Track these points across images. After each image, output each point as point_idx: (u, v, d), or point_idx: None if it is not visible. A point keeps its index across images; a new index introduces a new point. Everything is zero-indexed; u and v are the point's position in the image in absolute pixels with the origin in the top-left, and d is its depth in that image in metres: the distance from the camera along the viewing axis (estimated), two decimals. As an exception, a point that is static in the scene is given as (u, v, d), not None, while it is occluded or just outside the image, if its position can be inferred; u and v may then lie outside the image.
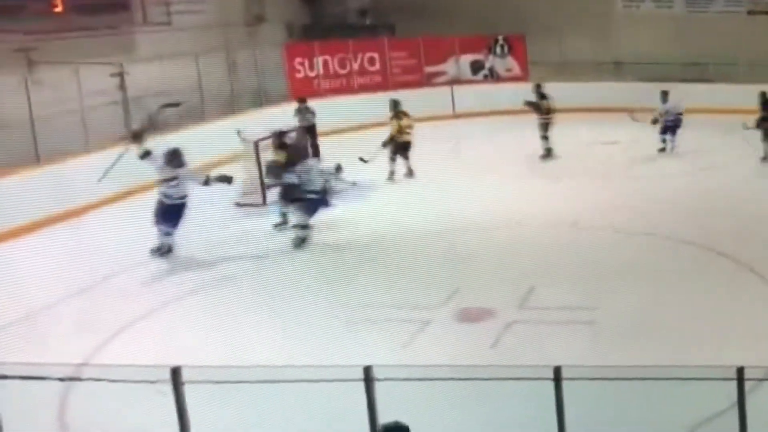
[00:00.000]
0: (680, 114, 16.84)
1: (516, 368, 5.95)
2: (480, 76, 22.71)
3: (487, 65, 22.61)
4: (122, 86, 15.74)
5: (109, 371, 5.73)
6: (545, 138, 16.81)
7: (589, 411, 6.22)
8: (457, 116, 21.29)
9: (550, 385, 5.39)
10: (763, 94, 16.35)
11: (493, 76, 22.69)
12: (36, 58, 14.69)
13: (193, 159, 15.21)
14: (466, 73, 22.64)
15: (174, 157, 11.45)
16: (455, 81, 22.32)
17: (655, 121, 16.74)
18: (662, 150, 16.67)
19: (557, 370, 5.47)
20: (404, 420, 6.19)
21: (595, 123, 19.11)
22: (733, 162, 15.20)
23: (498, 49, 22.62)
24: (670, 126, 16.79)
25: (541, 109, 17.00)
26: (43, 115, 13.96)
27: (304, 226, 11.62)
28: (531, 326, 8.68)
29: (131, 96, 15.78)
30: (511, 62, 22.71)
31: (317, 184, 12.17)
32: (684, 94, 17.41)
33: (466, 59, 22.69)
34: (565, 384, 5.32)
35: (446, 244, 11.31)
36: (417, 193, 13.80)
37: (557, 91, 20.51)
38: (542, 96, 17.18)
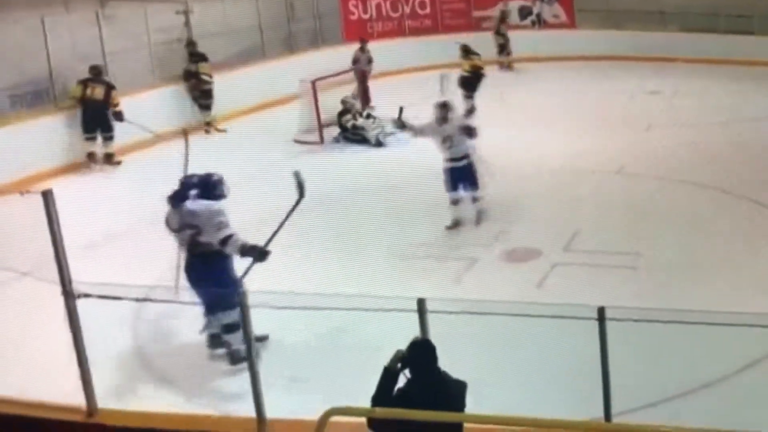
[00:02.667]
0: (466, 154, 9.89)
1: (561, 307, 5.96)
2: (527, 21, 22.30)
3: (535, 11, 22.16)
4: (187, 24, 15.74)
5: (180, 294, 5.87)
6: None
7: (631, 352, 6.24)
8: (501, 62, 20.97)
9: (594, 325, 5.40)
10: (464, 47, 15.82)
11: (539, 23, 22.28)
12: (108, -6, 14.75)
13: (255, 98, 15.41)
14: (514, 18, 22.24)
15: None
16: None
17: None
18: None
19: (601, 311, 5.47)
20: (453, 351, 6.30)
21: (639, 72, 18.71)
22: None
23: (545, -4, 22.20)
24: (459, 170, 9.85)
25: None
26: (114, 50, 14.06)
27: None
28: (576, 269, 8.64)
29: (195, 34, 15.77)
30: (557, 9, 22.24)
31: None
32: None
33: (514, 4, 22.26)
34: (609, 325, 5.32)
35: (493, 186, 11.24)
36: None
37: (603, 39, 20.25)
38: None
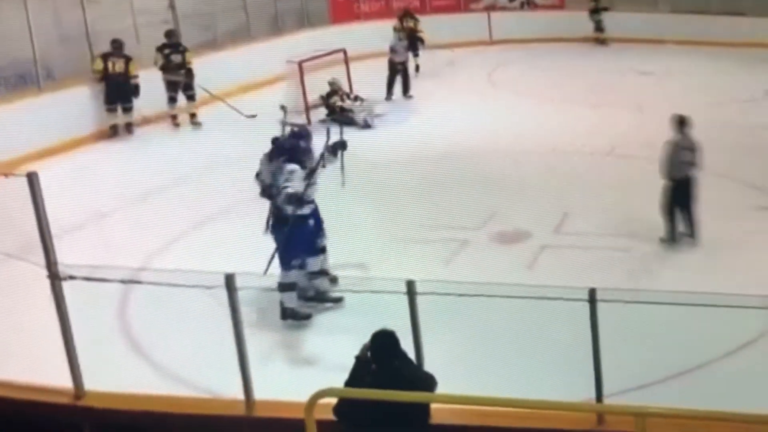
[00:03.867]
0: None
1: (552, 288, 5.97)
2: (516, 3, 22.23)
3: (523, -8, 22.12)
4: (172, 5, 15.61)
5: (167, 276, 5.85)
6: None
7: (623, 334, 6.25)
8: (493, 42, 20.93)
9: (585, 307, 5.42)
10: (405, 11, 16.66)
11: (529, 4, 22.22)
12: (91, -24, 14.61)
13: (241, 79, 15.33)
14: (502, -1, 22.18)
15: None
16: (492, 7, 21.89)
17: None
18: None
19: (592, 292, 5.49)
20: (442, 331, 6.32)
21: (629, 53, 18.71)
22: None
23: (534, -23, 22.11)
24: (318, 220, 7.88)
25: None
26: (99, 31, 13.98)
27: None
28: (566, 251, 8.67)
29: (180, 15, 15.65)
30: (546, -10, 22.21)
31: None
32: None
33: (503, -15, 22.18)
34: (600, 306, 5.33)
35: (482, 168, 11.25)
36: (454, 117, 13.66)
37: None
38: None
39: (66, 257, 5.63)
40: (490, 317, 6.58)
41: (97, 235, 8.97)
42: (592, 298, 5.42)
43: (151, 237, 8.78)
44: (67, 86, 13.22)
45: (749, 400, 4.99)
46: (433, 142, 11.96)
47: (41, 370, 5.94)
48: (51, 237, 5.59)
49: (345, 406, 4.57)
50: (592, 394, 5.36)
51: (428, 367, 5.35)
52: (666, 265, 8.26)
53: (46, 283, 5.59)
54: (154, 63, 14.03)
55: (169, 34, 14.41)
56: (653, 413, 4.03)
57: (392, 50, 15.95)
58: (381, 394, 4.36)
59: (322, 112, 14.27)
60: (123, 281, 6.12)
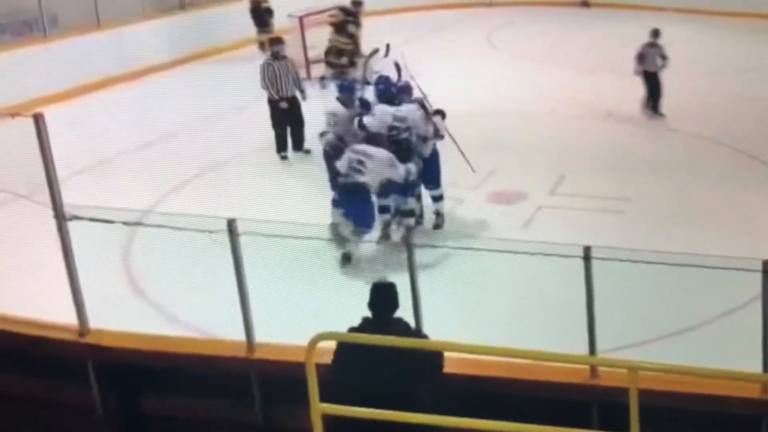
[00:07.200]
0: None
1: (547, 245, 5.96)
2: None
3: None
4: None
5: (170, 219, 5.83)
6: None
7: (618, 294, 6.25)
8: (492, 4, 20.70)
9: (579, 265, 5.41)
10: None
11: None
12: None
13: (243, 32, 15.22)
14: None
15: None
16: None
17: None
18: None
19: (587, 250, 5.49)
20: (437, 284, 6.33)
21: (631, 18, 18.51)
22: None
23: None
24: None
25: None
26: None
27: None
28: (562, 212, 8.70)
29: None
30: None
31: None
32: None
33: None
34: (596, 268, 5.33)
35: (480, 129, 11.18)
36: (453, 78, 13.55)
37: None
38: None
39: (77, 198, 5.62)
40: (485, 272, 6.61)
41: (103, 179, 8.93)
42: (587, 256, 5.42)
43: (155, 183, 8.72)
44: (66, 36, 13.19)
45: (744, 360, 5.00)
46: (432, 102, 11.89)
47: (46, 308, 5.93)
48: (57, 177, 5.56)
49: (342, 355, 4.57)
50: (586, 352, 5.38)
51: (425, 318, 5.38)
52: (661, 227, 8.25)
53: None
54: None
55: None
56: (646, 367, 4.03)
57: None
58: (379, 339, 4.35)
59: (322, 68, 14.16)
60: (127, 223, 6.07)
